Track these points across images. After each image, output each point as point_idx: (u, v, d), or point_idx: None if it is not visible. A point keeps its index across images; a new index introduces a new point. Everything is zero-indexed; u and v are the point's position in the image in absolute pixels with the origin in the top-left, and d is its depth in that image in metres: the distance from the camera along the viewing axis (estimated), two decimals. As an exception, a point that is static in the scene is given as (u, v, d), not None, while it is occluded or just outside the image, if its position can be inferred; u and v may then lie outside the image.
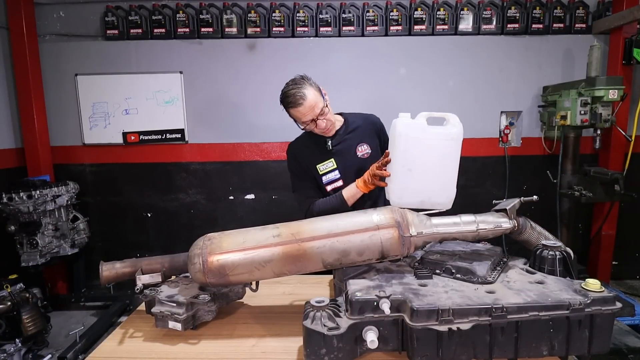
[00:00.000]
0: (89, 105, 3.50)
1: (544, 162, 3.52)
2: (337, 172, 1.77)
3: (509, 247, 3.35)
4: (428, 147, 1.33)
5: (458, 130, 1.35)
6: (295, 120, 1.75)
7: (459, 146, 1.36)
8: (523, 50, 3.43)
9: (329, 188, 1.78)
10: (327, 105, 1.70)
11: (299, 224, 1.15)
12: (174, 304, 1.19)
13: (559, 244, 1.12)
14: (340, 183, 1.76)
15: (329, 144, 1.76)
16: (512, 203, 1.19)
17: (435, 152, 1.33)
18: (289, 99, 1.65)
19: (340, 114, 1.90)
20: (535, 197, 1.21)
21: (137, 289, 1.26)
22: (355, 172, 1.74)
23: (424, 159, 1.32)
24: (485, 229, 1.13)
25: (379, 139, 1.85)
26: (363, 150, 1.80)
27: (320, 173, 1.77)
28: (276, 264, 1.11)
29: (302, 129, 1.76)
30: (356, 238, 1.09)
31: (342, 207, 1.60)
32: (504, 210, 1.17)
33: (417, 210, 1.23)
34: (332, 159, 1.77)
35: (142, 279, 1.26)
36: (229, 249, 1.12)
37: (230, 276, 1.12)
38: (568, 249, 1.23)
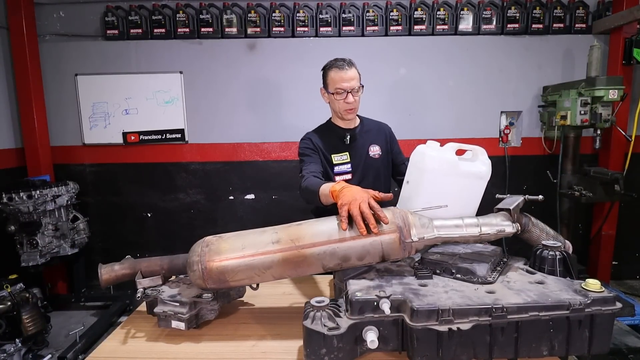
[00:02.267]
0: (89, 105, 3.50)
1: (544, 162, 3.52)
2: (349, 165, 1.85)
3: (509, 247, 3.35)
4: (455, 184, 1.24)
5: (487, 169, 1.28)
6: (327, 88, 1.81)
7: (485, 185, 1.29)
8: (523, 50, 3.44)
9: (337, 179, 1.83)
10: (360, 90, 1.80)
11: (298, 228, 1.14)
12: (177, 304, 1.18)
13: (559, 244, 1.12)
14: (349, 177, 1.84)
15: (347, 138, 1.85)
16: (515, 202, 1.17)
17: (461, 190, 1.25)
18: (338, 62, 1.75)
19: (359, 116, 1.97)
20: (540, 196, 1.20)
21: (139, 297, 1.25)
22: (364, 169, 1.85)
23: (447, 195, 1.21)
24: (488, 233, 1.11)
25: (389, 146, 1.94)
26: (375, 150, 1.89)
27: (334, 163, 1.84)
28: (276, 270, 1.10)
29: (332, 94, 1.77)
30: (357, 244, 1.08)
31: (315, 197, 1.48)
32: (508, 210, 1.16)
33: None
34: (347, 153, 1.85)
35: (142, 283, 1.26)
36: (228, 255, 1.11)
37: (231, 282, 1.12)
38: (568, 243, 1.23)
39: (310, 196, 1.53)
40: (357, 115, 1.94)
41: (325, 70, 1.81)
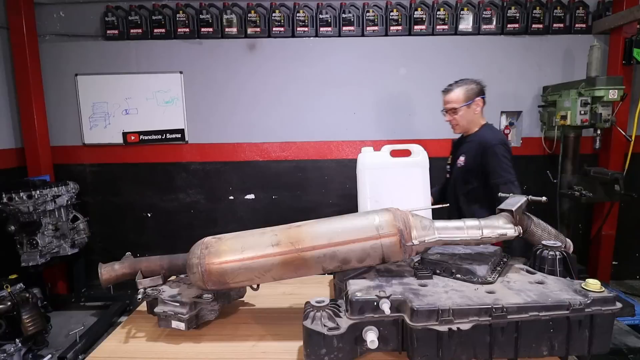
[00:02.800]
0: (89, 105, 3.50)
1: (544, 162, 3.52)
2: (448, 166, 2.28)
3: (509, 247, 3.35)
4: (394, 177, 1.45)
5: (422, 157, 1.50)
6: None
7: (426, 172, 1.52)
8: (523, 50, 3.43)
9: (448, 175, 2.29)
10: (464, 109, 2.13)
11: (298, 230, 1.13)
12: (177, 304, 1.18)
13: (559, 243, 1.12)
14: (447, 175, 2.29)
15: (456, 143, 2.29)
16: (518, 203, 1.16)
17: (402, 181, 1.45)
18: (446, 87, 2.21)
19: (485, 124, 2.21)
20: (544, 198, 1.19)
21: (139, 298, 1.24)
22: (452, 172, 2.23)
23: (391, 188, 1.42)
24: (490, 237, 1.09)
25: (478, 160, 2.08)
26: (461, 160, 2.15)
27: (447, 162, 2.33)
28: (276, 272, 1.10)
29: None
30: (357, 247, 1.07)
31: None
32: (510, 212, 1.15)
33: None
34: (451, 156, 2.28)
35: (143, 283, 1.26)
36: (228, 258, 1.10)
37: (231, 283, 1.12)
38: (569, 242, 1.22)
39: None
40: (487, 124, 2.21)
41: None
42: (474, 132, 2.19)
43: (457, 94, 2.14)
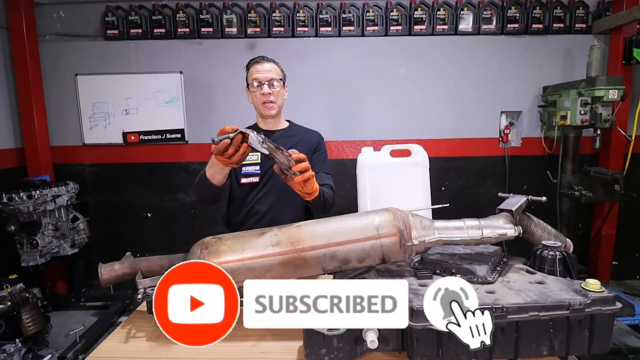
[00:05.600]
0: (89, 105, 3.50)
1: (544, 162, 3.52)
2: (258, 167, 1.76)
3: (509, 247, 3.35)
4: (394, 177, 1.44)
5: (422, 157, 1.47)
6: (248, 86, 1.82)
7: (426, 172, 1.48)
8: (523, 50, 3.44)
9: (243, 180, 1.76)
10: (281, 85, 1.77)
11: (298, 230, 1.14)
12: (176, 304, 1.18)
13: (559, 243, 1.12)
14: (256, 179, 1.76)
15: None
16: (518, 203, 1.17)
17: (402, 181, 1.43)
18: (255, 58, 1.79)
19: (289, 121, 1.91)
20: (544, 198, 1.20)
21: (139, 298, 1.24)
22: (274, 173, 1.70)
23: (391, 188, 1.41)
24: (490, 237, 1.10)
25: (311, 155, 1.82)
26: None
27: (243, 163, 1.73)
28: (276, 273, 1.11)
29: (249, 87, 1.81)
30: (357, 247, 1.08)
31: (204, 180, 1.49)
32: (510, 212, 1.15)
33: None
34: (259, 154, 1.73)
35: (143, 284, 1.26)
36: (228, 258, 1.11)
37: None
38: (569, 242, 1.23)
39: (201, 187, 1.51)
40: (288, 120, 1.90)
41: (248, 68, 1.81)
42: (287, 127, 1.88)
43: (275, 66, 1.77)
